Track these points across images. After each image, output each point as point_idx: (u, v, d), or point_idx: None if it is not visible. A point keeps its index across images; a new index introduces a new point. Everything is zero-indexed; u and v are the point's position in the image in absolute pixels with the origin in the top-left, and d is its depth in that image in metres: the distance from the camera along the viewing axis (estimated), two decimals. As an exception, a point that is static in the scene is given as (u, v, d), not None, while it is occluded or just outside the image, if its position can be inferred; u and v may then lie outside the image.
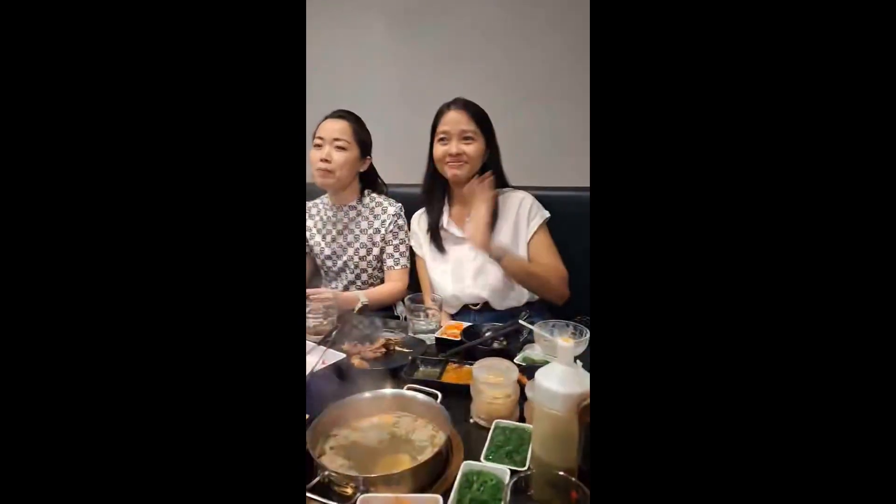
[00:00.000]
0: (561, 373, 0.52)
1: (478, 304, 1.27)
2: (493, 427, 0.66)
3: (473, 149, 1.21)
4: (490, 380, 0.70)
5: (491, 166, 1.25)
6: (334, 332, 0.99)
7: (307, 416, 0.74)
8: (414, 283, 1.37)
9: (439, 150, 1.23)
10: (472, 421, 0.72)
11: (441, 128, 1.23)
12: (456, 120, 1.21)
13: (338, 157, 1.29)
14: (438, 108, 1.26)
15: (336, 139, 1.29)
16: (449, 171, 1.23)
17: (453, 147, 1.20)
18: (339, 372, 0.85)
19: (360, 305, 1.21)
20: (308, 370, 0.84)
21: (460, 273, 1.26)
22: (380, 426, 0.70)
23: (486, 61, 1.79)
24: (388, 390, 0.74)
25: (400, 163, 1.43)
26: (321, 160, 1.28)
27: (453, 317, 1.28)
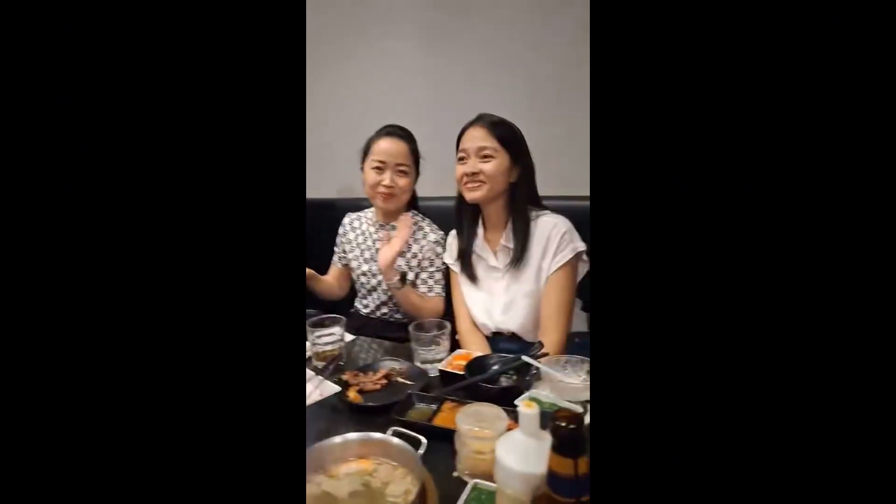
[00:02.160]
0: (522, 445, 0.44)
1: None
2: (469, 488, 0.59)
3: (492, 167, 1.08)
4: (474, 431, 0.63)
5: (521, 186, 1.12)
6: (337, 362, 0.96)
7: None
8: (451, 307, 1.30)
9: (458, 170, 1.14)
10: (455, 475, 0.65)
11: (461, 146, 1.14)
12: (474, 137, 1.11)
13: (401, 181, 1.28)
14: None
15: (399, 164, 1.27)
16: (466, 193, 1.13)
17: (469, 166, 1.10)
18: (332, 407, 0.82)
19: (398, 279, 1.20)
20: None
21: (490, 303, 1.17)
22: (357, 474, 0.65)
23: (522, 68, 1.69)
24: (371, 433, 0.69)
25: (434, 174, 1.39)
26: (385, 186, 1.26)
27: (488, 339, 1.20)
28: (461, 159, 1.14)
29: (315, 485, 0.64)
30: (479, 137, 1.10)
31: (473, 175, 1.10)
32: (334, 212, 1.52)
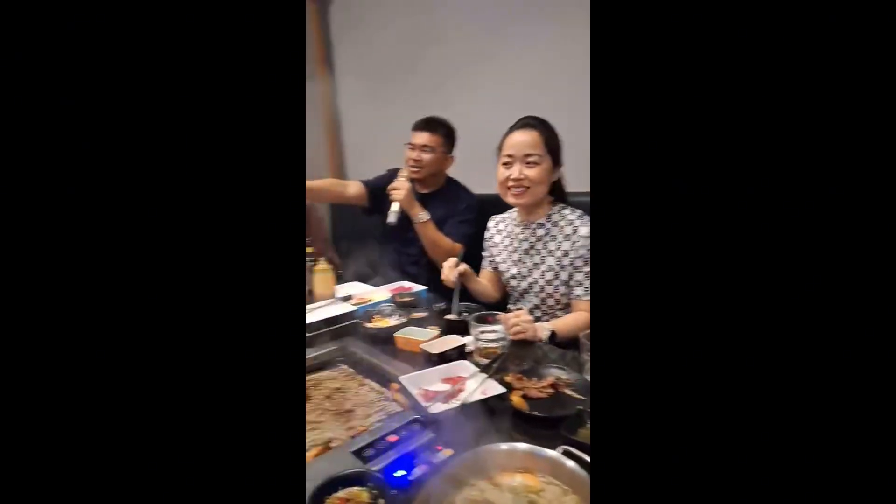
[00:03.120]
0: None
1: None
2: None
3: None
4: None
5: None
6: (501, 359, 0.92)
7: (451, 452, 0.69)
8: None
9: None
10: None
11: None
12: None
13: (531, 173, 1.19)
14: None
15: (527, 155, 1.19)
16: None
17: None
18: (495, 408, 0.78)
19: (545, 338, 1.10)
20: (465, 397, 0.79)
21: None
22: (522, 489, 0.60)
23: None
24: (541, 448, 0.63)
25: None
26: (513, 179, 1.21)
27: None
28: None
29: (477, 490, 0.60)
30: None
31: None
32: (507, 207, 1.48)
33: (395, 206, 1.52)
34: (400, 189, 1.51)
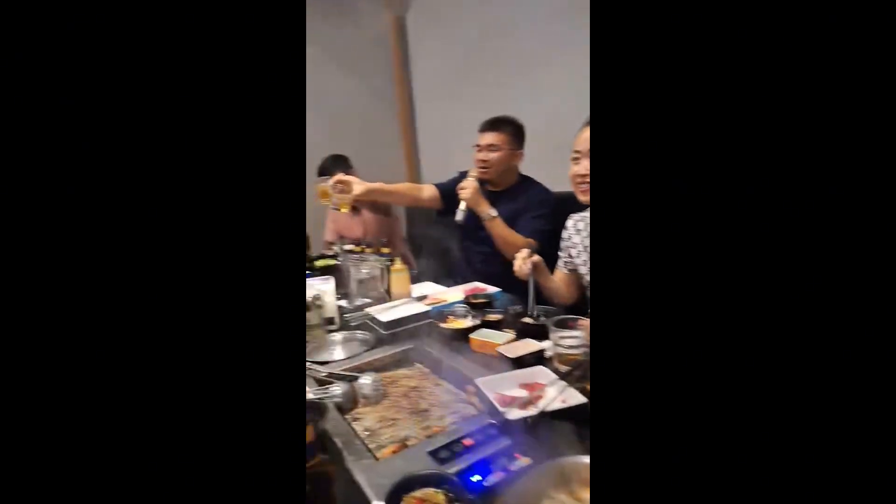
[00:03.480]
0: None
1: None
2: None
3: None
4: None
5: None
6: (582, 367, 0.87)
7: (529, 461, 0.67)
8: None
9: None
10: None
11: None
12: None
13: None
14: None
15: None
16: None
17: None
18: (577, 419, 0.74)
19: None
20: (544, 405, 0.76)
21: None
22: (607, 507, 0.56)
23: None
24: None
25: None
26: (579, 176, 1.15)
27: None
28: None
29: (557, 503, 0.57)
30: None
31: None
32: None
33: (463, 205, 1.53)
34: (467, 188, 1.53)
